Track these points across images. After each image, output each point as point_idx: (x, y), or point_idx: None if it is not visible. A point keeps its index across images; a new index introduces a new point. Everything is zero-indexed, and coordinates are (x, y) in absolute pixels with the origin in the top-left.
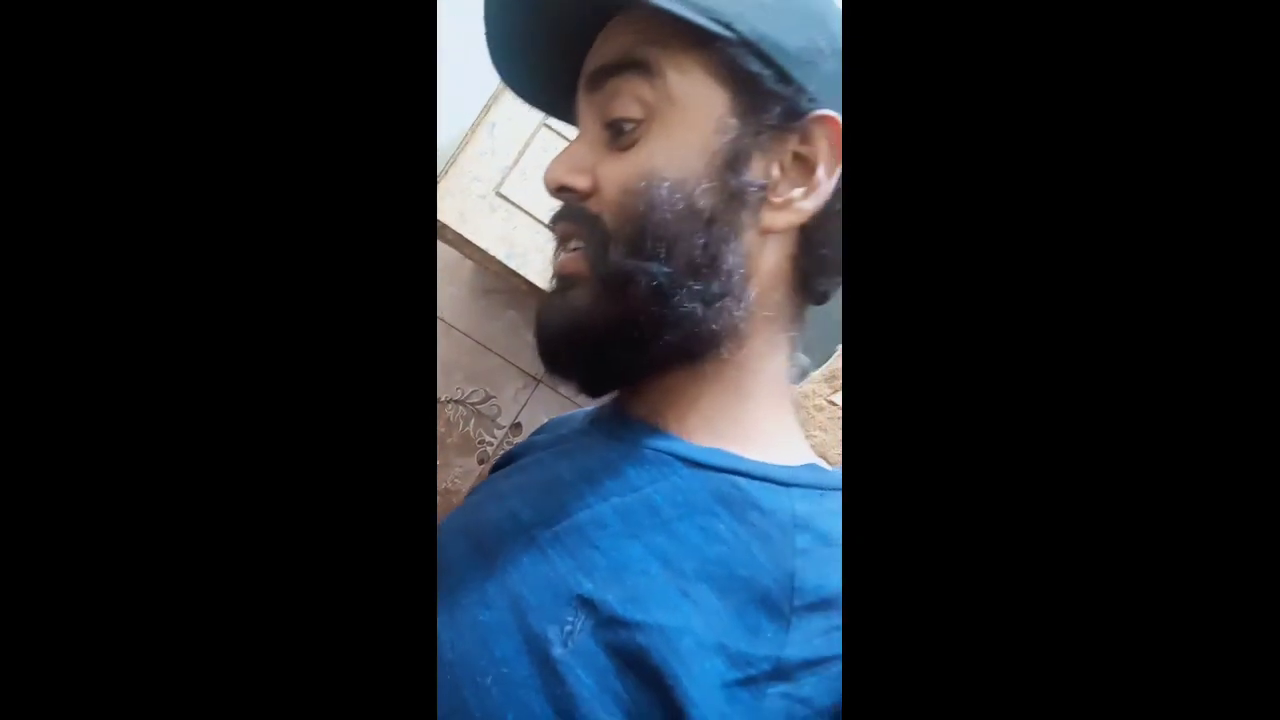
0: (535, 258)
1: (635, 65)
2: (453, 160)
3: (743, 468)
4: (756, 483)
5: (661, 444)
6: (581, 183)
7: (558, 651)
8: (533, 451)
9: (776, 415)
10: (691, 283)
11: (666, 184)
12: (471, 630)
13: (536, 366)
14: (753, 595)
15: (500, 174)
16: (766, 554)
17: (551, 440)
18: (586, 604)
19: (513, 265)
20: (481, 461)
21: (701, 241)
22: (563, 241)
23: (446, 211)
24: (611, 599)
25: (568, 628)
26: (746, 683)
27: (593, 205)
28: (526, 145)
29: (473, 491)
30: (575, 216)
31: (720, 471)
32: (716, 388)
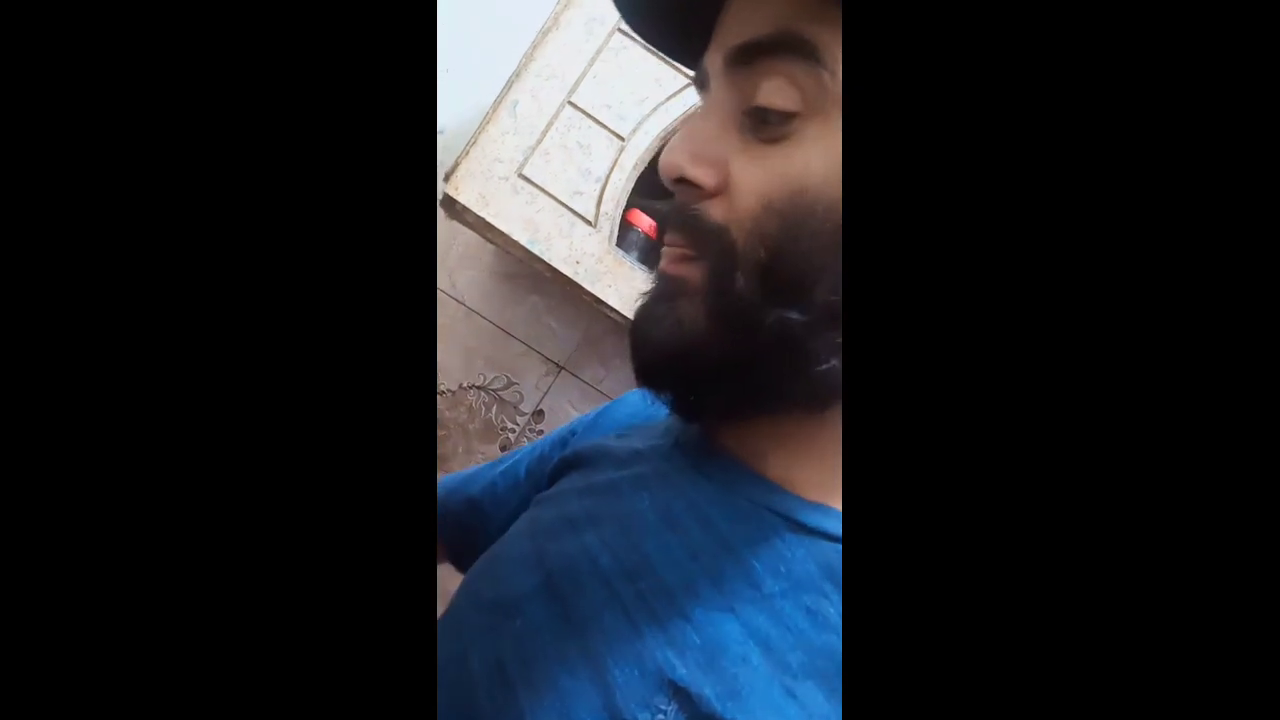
0: (559, 243)
1: (797, 46)
2: (473, 141)
3: None
4: None
5: (761, 497)
6: (709, 179)
7: None
8: (604, 463)
9: None
10: (832, 334)
11: (820, 206)
12: (551, 696)
13: (559, 354)
14: None
15: (523, 155)
16: None
17: (627, 454)
18: (680, 692)
19: (536, 250)
20: (504, 448)
21: None
22: (670, 242)
23: (467, 194)
24: (709, 693)
25: (660, 716)
26: None
27: (717, 210)
28: (550, 125)
29: (538, 502)
30: (692, 224)
31: (830, 540)
32: (835, 435)
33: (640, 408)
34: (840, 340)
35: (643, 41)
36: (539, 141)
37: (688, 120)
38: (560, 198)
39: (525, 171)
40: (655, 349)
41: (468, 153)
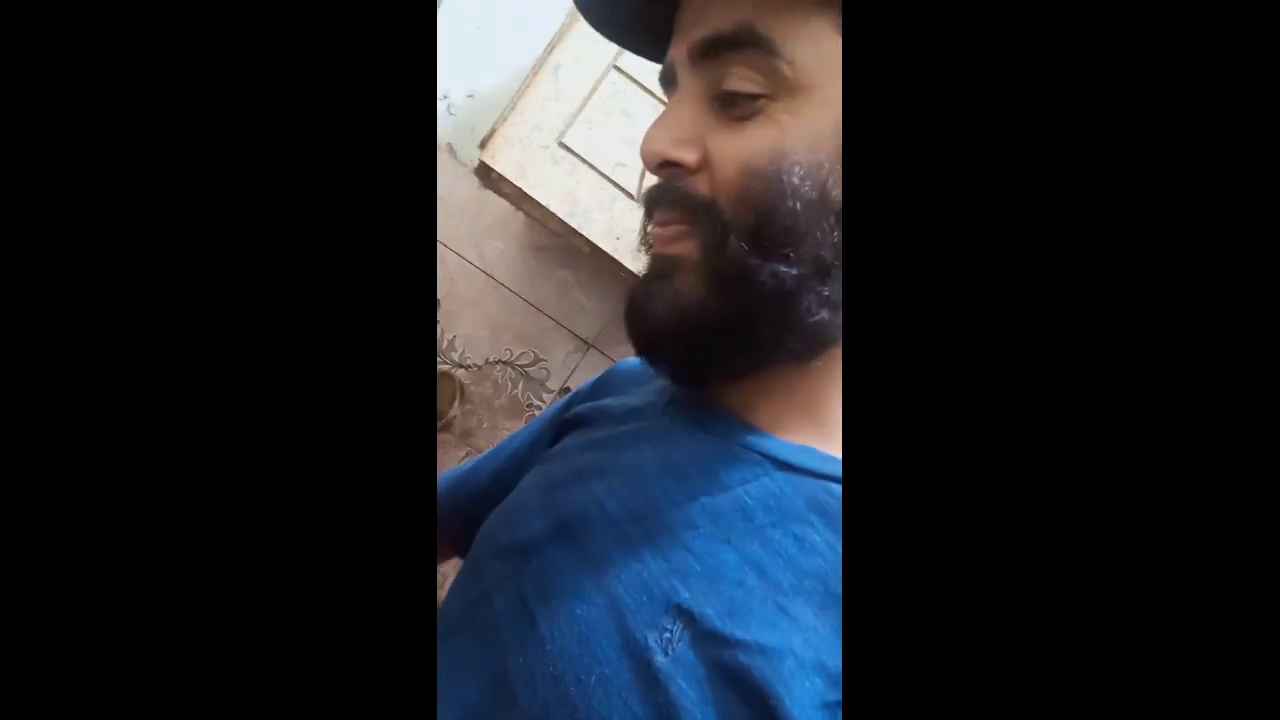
0: (599, 217)
1: (755, 41)
2: (511, 106)
3: (837, 472)
4: None
5: (753, 441)
6: (690, 156)
7: (659, 660)
8: (605, 421)
9: None
10: (820, 287)
11: (798, 168)
12: (569, 623)
13: (588, 330)
14: None
15: (564, 122)
16: None
17: (625, 412)
18: (685, 614)
19: (574, 224)
20: None
21: (836, 237)
22: (659, 222)
23: (504, 163)
24: (710, 611)
25: (667, 635)
26: None
27: (702, 185)
28: (593, 90)
29: (545, 459)
30: (680, 200)
31: (814, 476)
32: (821, 384)
33: (632, 374)
34: (828, 293)
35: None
36: (581, 108)
37: (662, 111)
38: (602, 169)
39: (566, 140)
40: (655, 322)
41: (505, 118)
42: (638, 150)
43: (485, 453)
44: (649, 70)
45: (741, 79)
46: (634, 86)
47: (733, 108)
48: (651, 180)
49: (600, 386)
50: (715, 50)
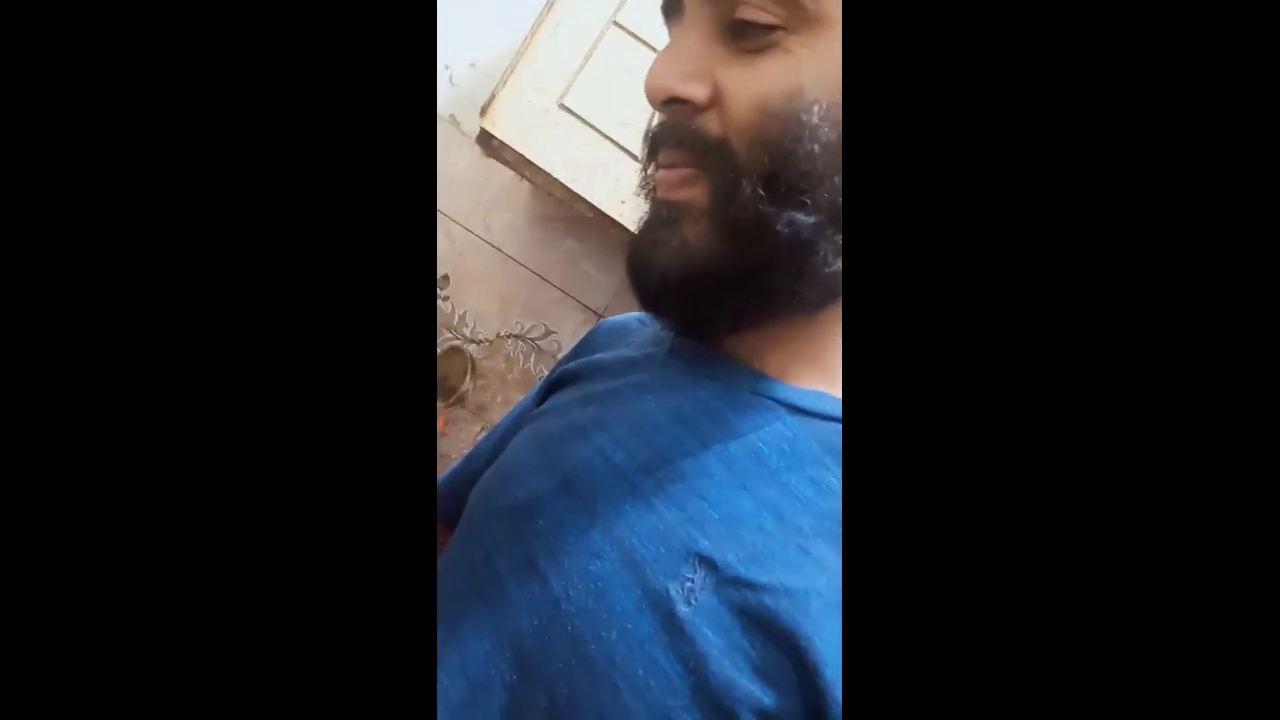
0: (601, 180)
1: None
2: (510, 69)
3: None
4: None
5: (764, 389)
6: (699, 93)
7: (682, 610)
8: (599, 375)
9: None
10: (836, 235)
11: (817, 106)
12: (583, 580)
13: (597, 300)
14: None
15: (564, 83)
16: None
17: (621, 364)
18: (705, 562)
19: (578, 190)
20: None
21: None
22: (665, 164)
23: (505, 128)
24: (732, 558)
25: (688, 584)
26: None
27: (712, 124)
28: (593, 48)
29: (535, 416)
30: (689, 140)
31: (827, 419)
32: (829, 332)
33: (618, 329)
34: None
35: None
36: (581, 67)
37: (666, 43)
38: (604, 130)
39: (566, 101)
40: (661, 273)
41: (504, 82)
42: (640, 109)
43: (476, 447)
44: (650, 25)
45: (756, 7)
46: (634, 42)
47: (744, 39)
48: (655, 123)
49: (585, 344)
50: None
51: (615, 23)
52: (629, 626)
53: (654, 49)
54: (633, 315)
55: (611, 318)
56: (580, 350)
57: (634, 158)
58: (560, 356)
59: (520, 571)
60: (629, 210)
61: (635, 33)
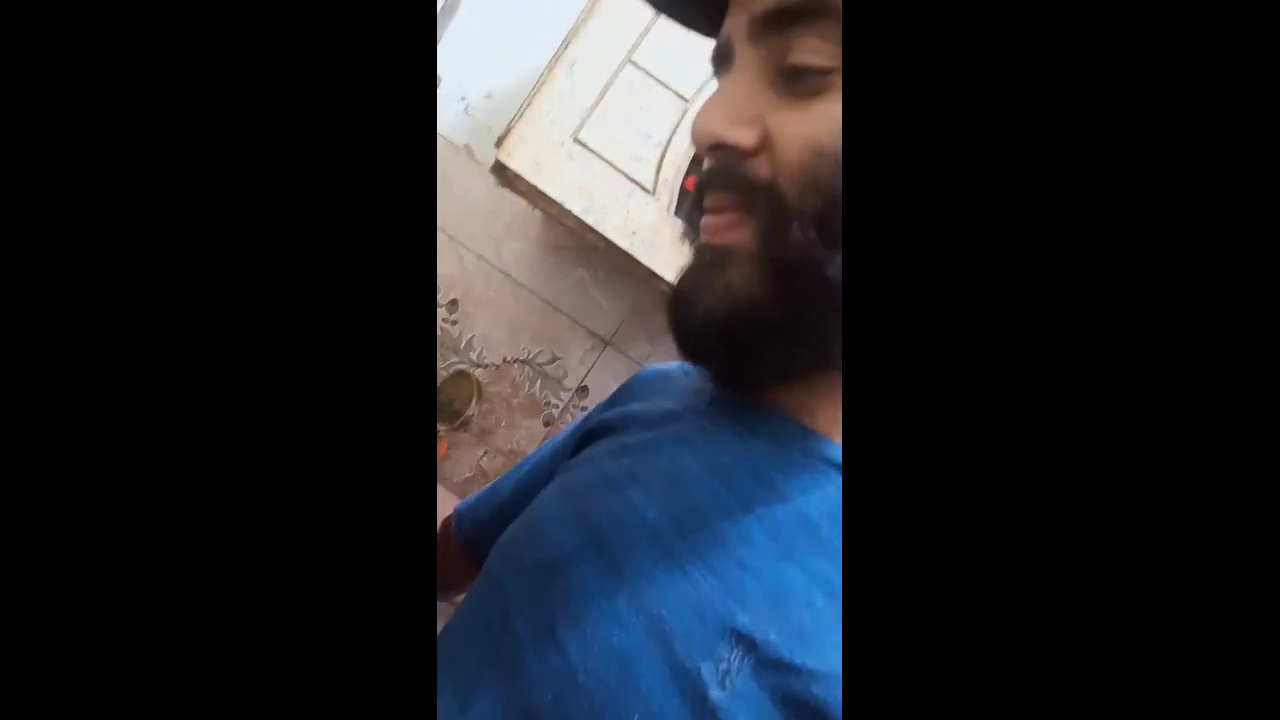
0: (614, 211)
1: (827, 9)
2: (527, 103)
3: None
4: None
5: (815, 448)
6: (747, 138)
7: (715, 694)
8: (636, 427)
9: None
10: None
11: None
12: (606, 652)
13: (605, 328)
14: None
15: (579, 118)
16: None
17: (659, 415)
18: (744, 640)
19: (590, 220)
20: (547, 424)
21: None
22: (711, 209)
23: (520, 161)
24: (775, 638)
25: (723, 665)
26: None
27: (762, 167)
28: (608, 85)
29: (567, 468)
30: (736, 182)
31: None
32: None
33: (657, 378)
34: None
35: None
36: (596, 103)
37: (715, 89)
38: (617, 164)
39: (581, 136)
40: (705, 318)
41: (521, 115)
42: (654, 144)
43: (507, 471)
44: (664, 64)
45: (811, 51)
46: (649, 80)
47: (797, 83)
48: (669, 175)
49: (623, 393)
50: (782, 21)
51: (631, 61)
52: (654, 709)
53: (669, 87)
54: (676, 364)
55: (652, 366)
56: (617, 399)
57: (646, 190)
58: (565, 382)
59: (540, 637)
60: (639, 241)
61: (650, 71)
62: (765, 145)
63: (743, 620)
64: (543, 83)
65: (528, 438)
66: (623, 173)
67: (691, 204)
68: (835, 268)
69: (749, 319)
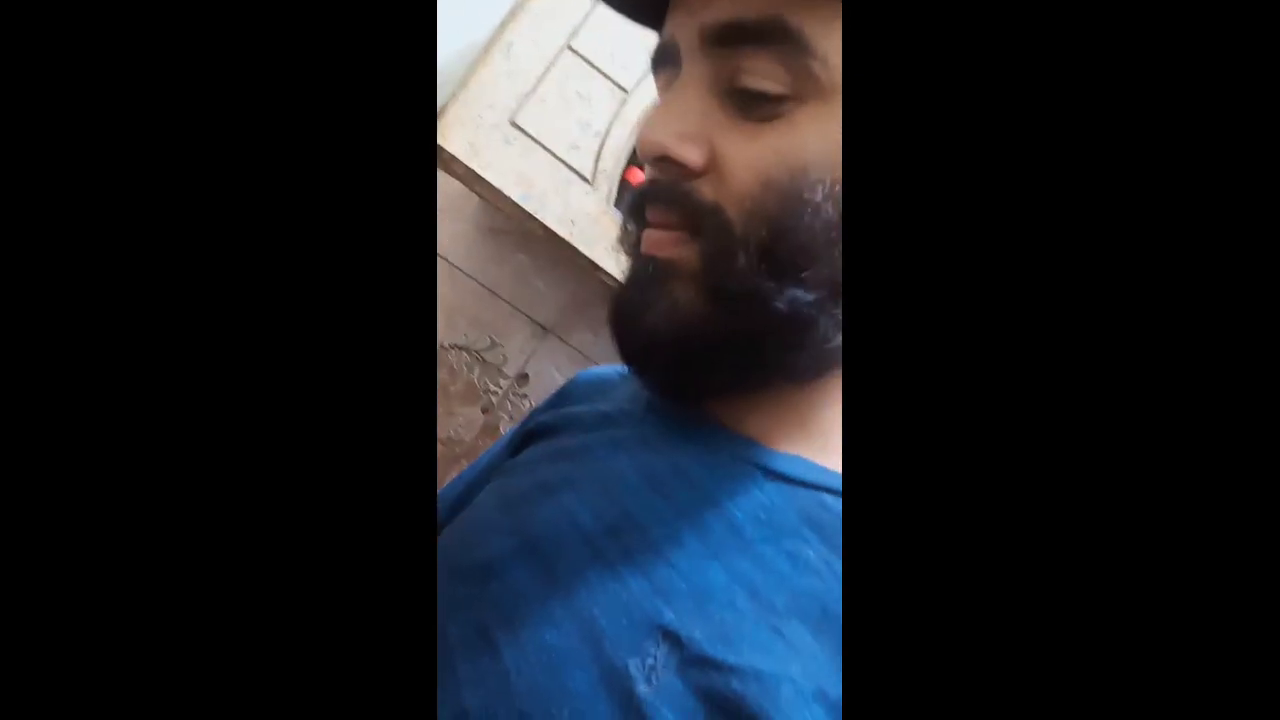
0: (554, 200)
1: (784, 35)
2: (463, 84)
3: (831, 484)
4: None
5: (741, 451)
6: (695, 157)
7: (642, 690)
8: (574, 429)
9: None
10: (835, 310)
11: (821, 185)
12: (538, 654)
13: (546, 316)
14: None
15: (516, 101)
16: None
17: (596, 418)
18: (670, 637)
19: (528, 207)
20: (485, 411)
21: None
22: (656, 224)
23: (455, 143)
24: (699, 635)
25: (650, 661)
26: None
27: (707, 189)
28: (547, 70)
29: (504, 471)
30: (680, 201)
31: (807, 487)
32: (819, 400)
33: (597, 381)
34: (841, 316)
35: None
36: (534, 88)
37: (664, 96)
38: (556, 151)
39: (518, 120)
40: (649, 333)
41: (456, 96)
42: (592, 133)
43: (450, 480)
44: (606, 52)
45: (764, 76)
46: (589, 68)
47: (752, 108)
48: (608, 166)
49: (563, 395)
50: (734, 38)
51: (570, 47)
52: (582, 707)
53: (608, 77)
54: (612, 367)
55: (590, 369)
56: (556, 402)
57: (585, 180)
58: (505, 369)
59: (471, 642)
60: (579, 231)
61: (589, 59)
62: (712, 167)
63: (669, 617)
64: (479, 64)
65: (466, 425)
66: (562, 160)
67: (631, 208)
68: (783, 300)
69: (695, 340)
